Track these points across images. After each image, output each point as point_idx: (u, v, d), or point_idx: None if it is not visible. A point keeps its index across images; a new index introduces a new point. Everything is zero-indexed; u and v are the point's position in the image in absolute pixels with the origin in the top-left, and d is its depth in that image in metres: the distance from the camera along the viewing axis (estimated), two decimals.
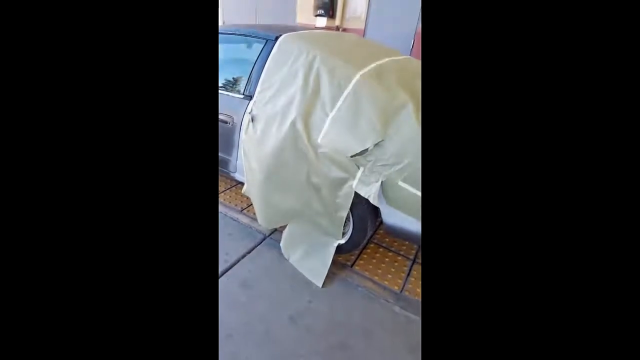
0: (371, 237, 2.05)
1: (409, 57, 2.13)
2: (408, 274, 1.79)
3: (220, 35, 2.07)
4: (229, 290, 1.58)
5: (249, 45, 2.02)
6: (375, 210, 1.59)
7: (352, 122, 1.43)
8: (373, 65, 1.62)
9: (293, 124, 1.54)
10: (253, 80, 1.83)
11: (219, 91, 1.99)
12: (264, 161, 1.66)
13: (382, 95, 1.44)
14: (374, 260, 1.87)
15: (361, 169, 1.45)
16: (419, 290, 1.68)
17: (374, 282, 1.71)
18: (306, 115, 1.53)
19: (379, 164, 1.40)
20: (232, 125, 1.91)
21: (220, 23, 6.15)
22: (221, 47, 2.06)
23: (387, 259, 1.89)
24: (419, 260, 1.89)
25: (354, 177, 1.47)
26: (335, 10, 5.18)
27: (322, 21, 5.28)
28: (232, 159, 2.02)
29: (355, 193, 1.49)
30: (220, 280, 1.63)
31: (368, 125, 1.40)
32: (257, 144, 1.71)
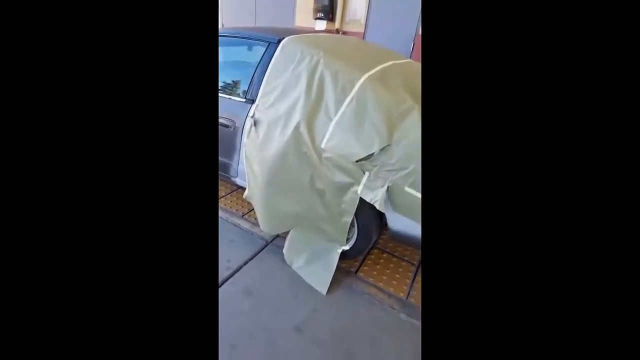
0: (375, 242, 2.03)
1: (409, 60, 2.11)
2: (413, 280, 1.77)
3: (221, 38, 2.04)
4: (232, 298, 1.55)
5: (250, 48, 2.00)
6: (380, 216, 1.57)
7: (357, 127, 1.41)
8: (377, 68, 1.60)
9: (296, 128, 1.52)
10: (255, 83, 1.81)
11: (220, 95, 1.96)
12: (267, 165, 1.63)
13: (387, 99, 1.41)
14: (378, 266, 1.85)
15: (366, 174, 1.42)
16: None
17: (379, 289, 1.69)
18: (310, 119, 1.51)
19: (385, 169, 1.38)
20: (233, 129, 1.88)
21: (219, 25, 6.13)
22: (222, 50, 2.04)
23: (391, 265, 1.87)
24: None
25: (359, 182, 1.45)
26: (335, 14, 5.18)
27: (321, 24, 5.28)
28: (234, 163, 1.99)
29: (359, 198, 1.47)
30: (223, 288, 1.60)
31: (373, 129, 1.37)
32: (260, 148, 1.68)
